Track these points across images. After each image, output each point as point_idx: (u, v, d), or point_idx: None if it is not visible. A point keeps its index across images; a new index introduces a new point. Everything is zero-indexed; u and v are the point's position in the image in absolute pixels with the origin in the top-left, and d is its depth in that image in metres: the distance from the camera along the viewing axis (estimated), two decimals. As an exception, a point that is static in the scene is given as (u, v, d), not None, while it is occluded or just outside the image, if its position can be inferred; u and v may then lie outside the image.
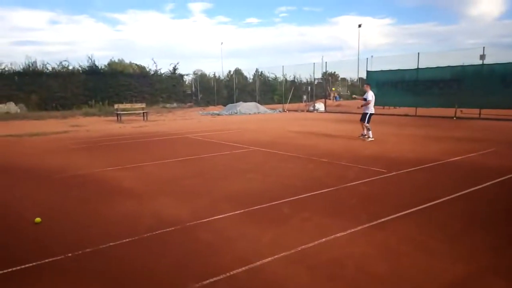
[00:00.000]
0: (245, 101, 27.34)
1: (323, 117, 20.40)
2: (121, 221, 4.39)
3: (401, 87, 20.51)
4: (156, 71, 32.51)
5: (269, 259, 3.27)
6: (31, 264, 3.26)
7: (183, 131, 14.04)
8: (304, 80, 33.28)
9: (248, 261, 3.22)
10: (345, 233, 3.82)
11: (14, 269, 3.19)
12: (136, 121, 18.68)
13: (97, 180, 6.42)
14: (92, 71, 28.77)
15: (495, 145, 9.37)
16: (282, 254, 3.35)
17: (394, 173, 6.47)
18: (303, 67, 39.26)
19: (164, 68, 35.03)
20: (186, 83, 36.10)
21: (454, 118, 16.95)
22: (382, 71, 21.75)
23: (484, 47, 17.11)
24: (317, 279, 2.98)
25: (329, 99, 32.15)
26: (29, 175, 6.94)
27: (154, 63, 45.72)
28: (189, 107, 31.35)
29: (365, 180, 5.99)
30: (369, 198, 5.17)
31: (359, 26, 58.29)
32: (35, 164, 7.96)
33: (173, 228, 4.04)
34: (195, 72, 37.88)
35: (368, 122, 10.50)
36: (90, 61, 29.12)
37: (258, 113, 23.78)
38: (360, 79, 40.48)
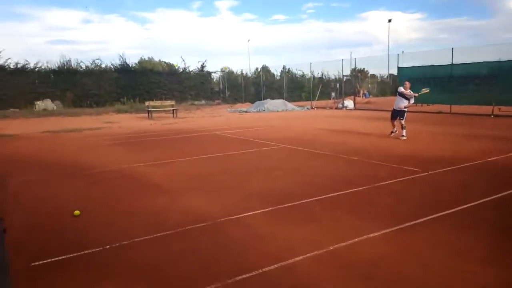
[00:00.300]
0: (272, 98, 27.31)
1: (352, 114, 20.07)
2: (151, 216, 4.49)
3: (434, 84, 19.70)
4: (184, 69, 33.02)
5: (301, 257, 3.25)
6: (65, 256, 3.39)
7: (212, 128, 14.19)
8: (333, 77, 32.89)
9: (280, 259, 3.21)
10: (377, 233, 3.75)
11: (48, 260, 3.33)
12: (166, 118, 19.04)
13: (128, 176, 6.59)
14: (123, 69, 29.59)
15: (536, 144, 8.91)
16: (314, 253, 3.32)
17: (428, 173, 6.27)
18: (331, 64, 38.87)
19: (192, 65, 35.49)
20: (214, 80, 36.44)
21: (492, 116, 16.25)
22: (414, 67, 21.09)
23: (525, 41, 16.27)
24: (349, 279, 2.94)
25: (359, 96, 31.59)
26: (65, 170, 7.23)
27: (183, 60, 46.26)
28: (217, 104, 31.64)
29: (397, 180, 5.85)
30: (402, 198, 5.04)
31: (389, 21, 56.73)
32: (70, 160, 8.28)
33: (203, 224, 4.09)
34: (223, 70, 38.12)
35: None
36: (121, 59, 29.98)
37: (286, 110, 23.69)
38: (391, 75, 39.52)
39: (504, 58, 17.43)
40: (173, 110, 20.20)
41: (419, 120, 15.37)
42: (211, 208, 4.66)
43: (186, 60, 50.29)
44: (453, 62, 18.69)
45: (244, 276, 2.95)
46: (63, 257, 3.37)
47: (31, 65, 26.29)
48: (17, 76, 25.18)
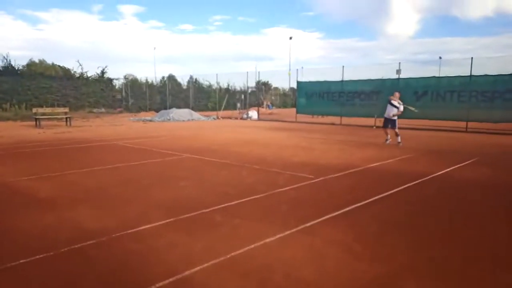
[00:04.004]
0: (178, 107, 26.85)
1: (256, 124, 20.77)
2: (38, 234, 4.04)
3: (327, 98, 21.73)
4: (82, 74, 30.67)
5: (199, 267, 3.24)
6: None
7: (112, 137, 13.36)
8: (238, 88, 33.73)
9: (177, 271, 3.15)
10: (274, 238, 3.93)
11: None
12: (58, 127, 17.37)
13: (10, 191, 5.85)
14: (8, 72, 26.29)
15: (411, 152, 10.29)
16: (212, 262, 3.34)
17: (321, 178, 6.80)
18: (237, 76, 39.66)
19: (92, 71, 33.16)
20: (116, 87, 34.48)
21: (374, 127, 18.29)
22: (311, 82, 22.84)
23: (400, 63, 18.90)
24: (247, 285, 3.02)
25: (262, 107, 32.88)
26: None
27: (80, 65, 42.82)
28: (119, 112, 29.96)
29: (294, 186, 6.22)
30: (298, 203, 5.37)
31: (290, 38, 60.73)
32: None
33: (96, 241, 3.81)
34: (126, 77, 36.32)
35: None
36: (5, 61, 26.62)
37: (192, 120, 23.49)
38: (292, 88, 42.10)
39: (385, 76, 19.94)
40: (66, 118, 18.53)
41: (314, 130, 16.59)
42: (107, 222, 4.37)
43: (85, 65, 46.71)
44: (344, 79, 20.72)
45: (138, 292, 2.83)
46: None
47: None
48: None
